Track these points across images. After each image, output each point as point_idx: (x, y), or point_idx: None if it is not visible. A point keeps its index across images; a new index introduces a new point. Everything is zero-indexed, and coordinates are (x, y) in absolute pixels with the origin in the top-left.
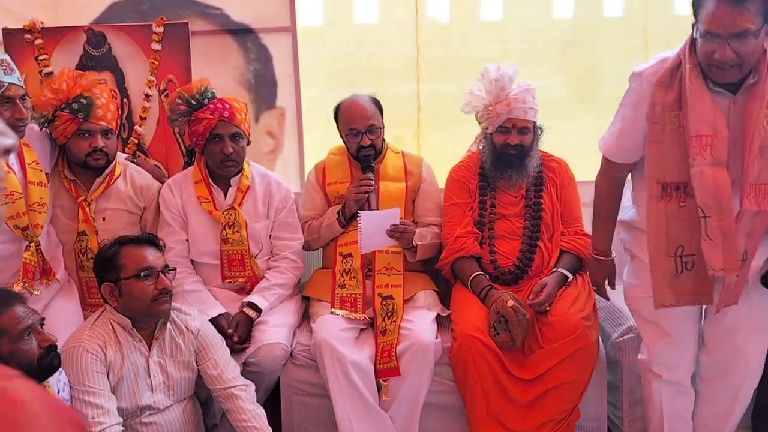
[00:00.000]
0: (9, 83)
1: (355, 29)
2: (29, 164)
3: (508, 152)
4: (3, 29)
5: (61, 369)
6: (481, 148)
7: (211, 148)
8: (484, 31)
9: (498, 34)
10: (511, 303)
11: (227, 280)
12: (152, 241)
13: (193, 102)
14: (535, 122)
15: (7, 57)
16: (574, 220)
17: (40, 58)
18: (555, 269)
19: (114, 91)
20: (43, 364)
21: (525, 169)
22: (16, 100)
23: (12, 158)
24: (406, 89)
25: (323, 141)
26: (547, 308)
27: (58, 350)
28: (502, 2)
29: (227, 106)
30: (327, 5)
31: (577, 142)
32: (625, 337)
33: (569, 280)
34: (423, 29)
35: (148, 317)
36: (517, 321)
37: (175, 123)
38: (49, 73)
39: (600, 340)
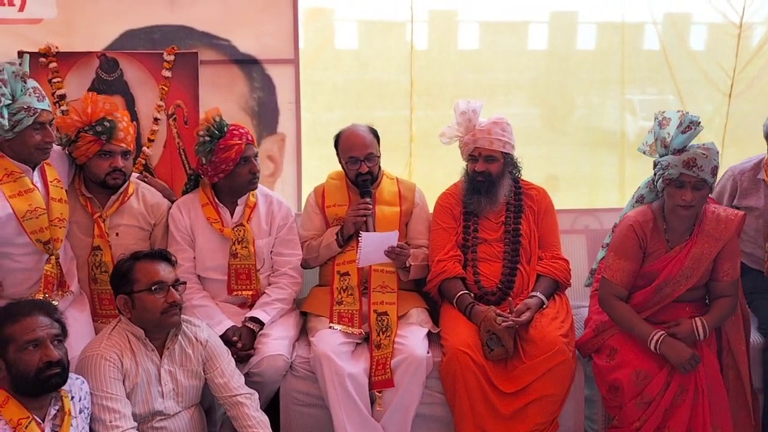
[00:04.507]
0: (42, 110)
1: (338, 55)
2: (51, 182)
3: (476, 179)
4: (18, 52)
5: (83, 379)
6: None
7: (240, 170)
8: (461, 60)
9: (474, 63)
10: (499, 320)
11: (234, 293)
12: (165, 256)
13: (217, 132)
14: (505, 153)
15: (38, 84)
16: (551, 245)
17: (53, 80)
18: (534, 294)
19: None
20: (40, 379)
21: (494, 196)
22: (46, 125)
23: (36, 176)
24: (398, 115)
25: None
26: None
27: (77, 359)
28: (478, 32)
29: (246, 130)
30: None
31: (549, 168)
32: None
33: (545, 304)
34: (405, 56)
35: (159, 328)
36: (508, 334)
37: (203, 154)
38: (62, 96)
39: (580, 357)
